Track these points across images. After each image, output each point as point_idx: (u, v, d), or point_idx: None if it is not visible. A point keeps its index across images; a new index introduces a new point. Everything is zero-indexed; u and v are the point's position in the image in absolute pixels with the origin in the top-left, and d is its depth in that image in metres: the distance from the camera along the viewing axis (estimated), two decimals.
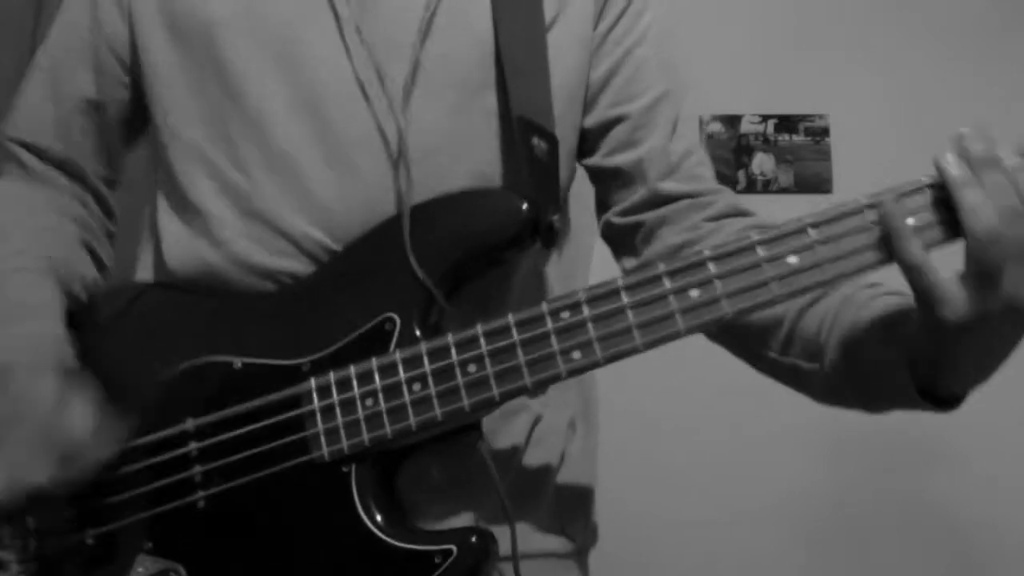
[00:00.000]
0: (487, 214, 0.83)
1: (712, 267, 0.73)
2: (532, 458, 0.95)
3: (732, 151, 2.60)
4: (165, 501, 0.82)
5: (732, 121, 2.61)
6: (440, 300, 0.81)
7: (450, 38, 0.90)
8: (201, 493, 0.82)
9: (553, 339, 0.76)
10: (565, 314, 0.76)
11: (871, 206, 0.71)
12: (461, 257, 0.82)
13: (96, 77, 0.98)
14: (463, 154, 0.89)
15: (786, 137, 2.62)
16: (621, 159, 0.96)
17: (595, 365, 0.76)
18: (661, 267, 0.74)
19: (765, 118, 2.62)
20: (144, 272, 0.98)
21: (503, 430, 0.91)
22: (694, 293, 0.73)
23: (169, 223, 0.94)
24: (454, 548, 0.76)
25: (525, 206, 0.81)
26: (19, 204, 0.97)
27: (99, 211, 1.02)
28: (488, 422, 0.84)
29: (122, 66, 0.97)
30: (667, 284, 0.74)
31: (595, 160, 0.98)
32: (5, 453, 0.78)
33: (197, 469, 0.82)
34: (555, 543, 0.96)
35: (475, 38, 0.91)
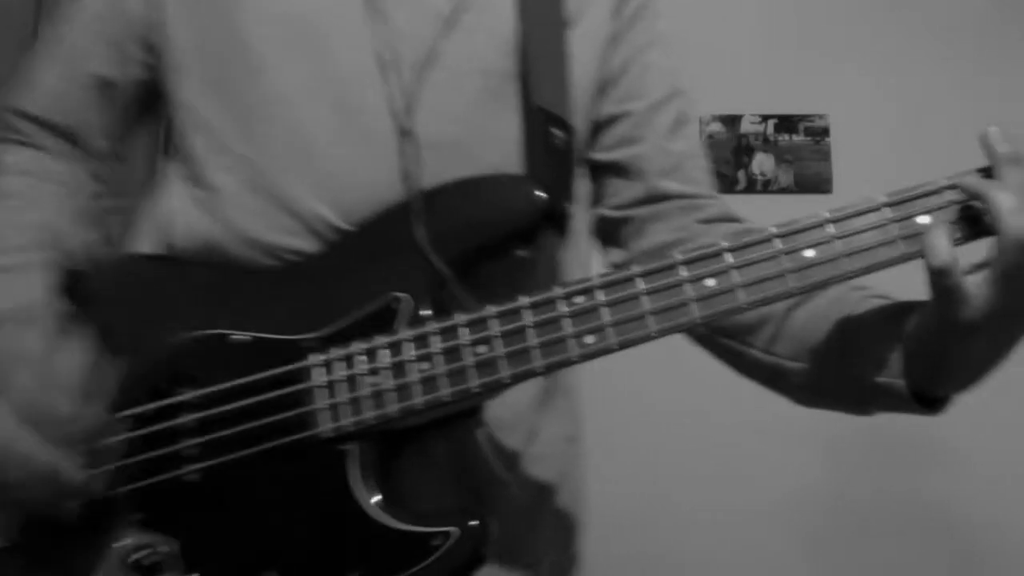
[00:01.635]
0: (503, 201, 0.83)
1: (729, 257, 0.73)
2: (526, 480, 0.93)
3: (732, 151, 2.60)
4: (157, 473, 0.82)
5: (732, 121, 2.61)
6: (453, 285, 0.81)
7: (473, 30, 0.91)
8: (195, 466, 0.81)
9: (566, 322, 0.76)
10: (579, 299, 0.76)
11: (889, 204, 0.71)
12: (475, 243, 0.82)
13: (111, 54, 0.98)
14: (482, 143, 0.89)
15: (786, 137, 2.62)
16: (620, 154, 0.97)
17: (608, 351, 0.76)
18: (677, 256, 0.75)
19: (765, 118, 2.62)
20: (145, 246, 0.97)
21: (496, 446, 0.90)
22: (710, 282, 0.73)
23: (176, 197, 0.94)
24: (453, 531, 0.75)
25: (543, 195, 0.82)
26: (22, 176, 0.98)
27: (95, 182, 1.02)
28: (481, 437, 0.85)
29: (139, 44, 0.98)
30: (683, 272, 0.74)
31: (594, 153, 0.99)
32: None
33: (191, 441, 0.81)
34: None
35: (498, 31, 0.92)
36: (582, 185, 1.00)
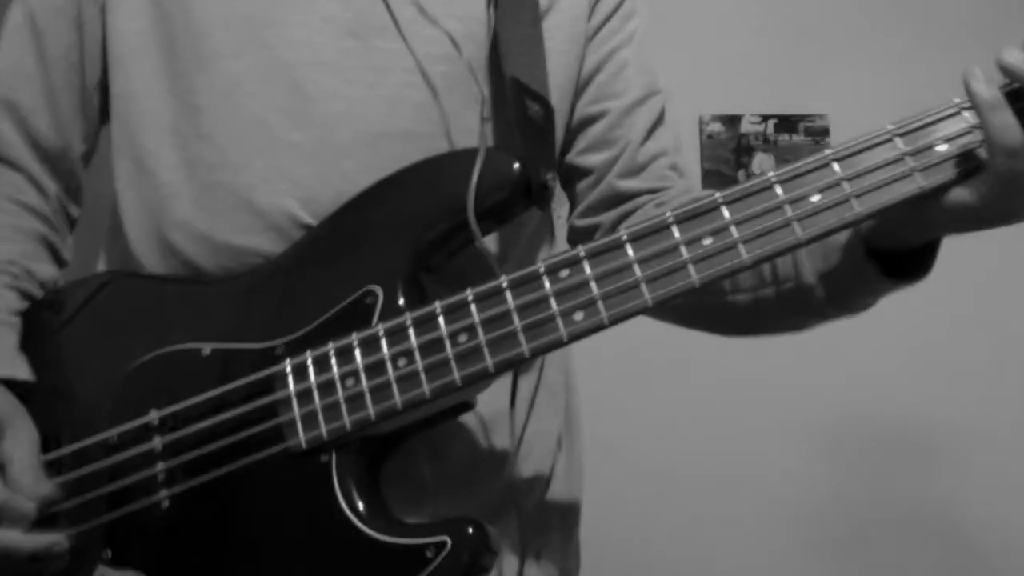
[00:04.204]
0: (478, 176, 0.77)
1: (726, 212, 0.67)
2: (515, 473, 0.88)
3: (732, 151, 2.58)
4: (126, 503, 0.76)
5: (732, 121, 2.59)
6: (488, 257, 0.75)
7: (444, 18, 0.85)
8: (164, 492, 0.75)
9: (552, 301, 0.69)
10: (564, 272, 0.70)
11: (901, 134, 0.65)
12: (454, 221, 0.76)
13: (79, 36, 0.90)
14: (454, 125, 0.84)
15: (786, 137, 2.60)
16: (595, 159, 0.92)
17: (600, 327, 0.69)
18: (669, 216, 0.68)
19: (765, 118, 2.60)
20: (108, 260, 0.93)
21: (483, 439, 0.86)
22: (707, 241, 0.67)
23: (131, 203, 0.88)
24: (448, 540, 0.69)
25: (517, 166, 0.76)
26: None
27: (64, 195, 0.94)
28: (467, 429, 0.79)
29: (102, 20, 0.90)
30: (677, 234, 0.67)
31: (569, 157, 0.94)
32: None
33: (160, 466, 0.76)
34: (531, 570, 0.88)
35: (471, 18, 0.87)
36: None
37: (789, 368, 2.21)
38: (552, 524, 0.93)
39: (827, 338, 2.45)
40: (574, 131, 0.93)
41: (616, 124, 0.92)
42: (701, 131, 2.55)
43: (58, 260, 0.94)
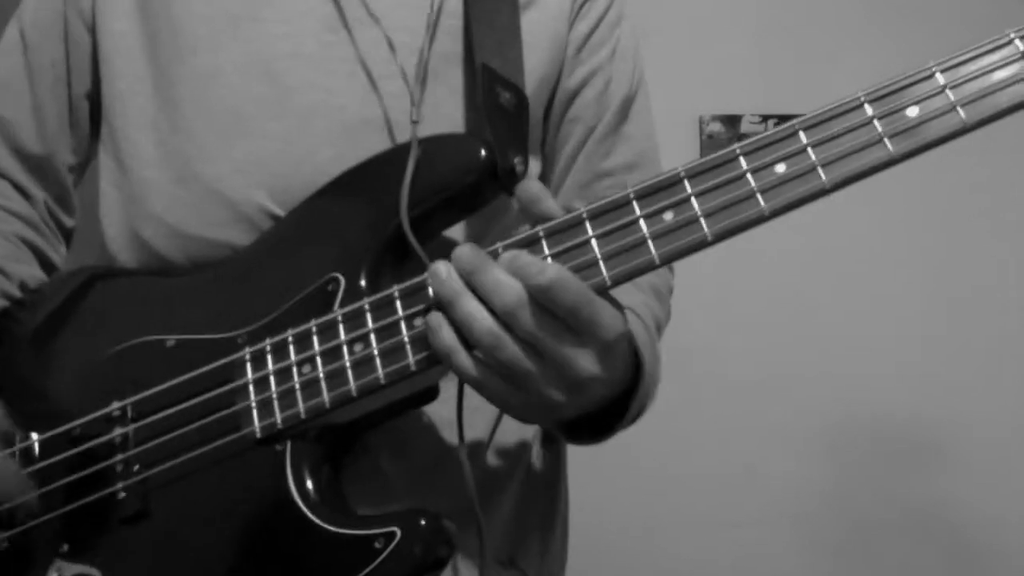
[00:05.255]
0: (444, 161, 0.76)
1: (688, 185, 0.64)
2: (488, 467, 0.87)
3: None
4: (83, 496, 0.75)
5: (732, 121, 2.57)
6: (418, 251, 0.73)
7: (418, 9, 0.86)
8: (120, 484, 0.74)
9: None
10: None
11: (871, 100, 0.63)
12: (421, 208, 0.75)
13: (66, 48, 0.92)
14: (429, 115, 0.83)
15: None
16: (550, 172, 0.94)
17: None
18: (630, 191, 0.66)
19: (765, 118, 2.58)
20: (80, 247, 0.93)
21: (448, 438, 0.84)
22: (668, 216, 0.64)
23: (110, 201, 0.89)
24: (398, 531, 0.67)
25: (483, 152, 0.75)
26: None
27: (52, 203, 0.96)
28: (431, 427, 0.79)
29: (89, 32, 0.92)
30: (637, 209, 0.65)
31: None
32: None
33: (118, 457, 0.75)
34: (502, 571, 0.87)
35: (446, 9, 0.87)
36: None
37: (790, 368, 2.19)
38: (530, 524, 0.91)
39: (828, 338, 2.43)
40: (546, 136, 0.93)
41: (588, 151, 0.93)
42: (701, 131, 2.53)
43: (45, 264, 0.93)
